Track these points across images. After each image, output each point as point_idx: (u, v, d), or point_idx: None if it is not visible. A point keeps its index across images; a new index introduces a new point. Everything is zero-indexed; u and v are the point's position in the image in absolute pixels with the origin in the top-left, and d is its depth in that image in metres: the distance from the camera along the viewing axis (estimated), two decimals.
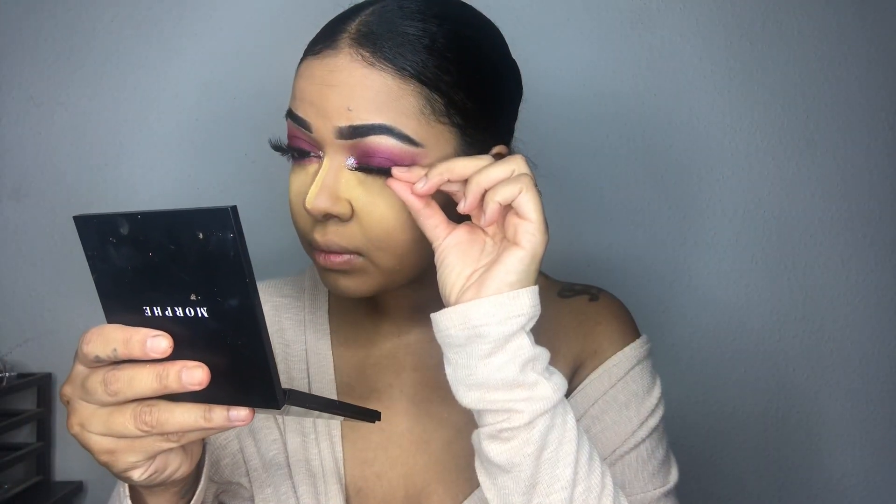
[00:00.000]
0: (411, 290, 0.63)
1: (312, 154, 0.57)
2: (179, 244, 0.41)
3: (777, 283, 1.18)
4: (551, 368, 0.53)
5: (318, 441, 0.65)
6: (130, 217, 0.42)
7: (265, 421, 0.66)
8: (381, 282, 0.58)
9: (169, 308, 0.43)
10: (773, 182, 1.18)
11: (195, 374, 0.42)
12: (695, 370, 1.19)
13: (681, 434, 1.19)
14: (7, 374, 1.16)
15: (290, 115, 0.57)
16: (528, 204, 0.51)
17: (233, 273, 0.40)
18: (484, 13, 0.62)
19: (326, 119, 0.54)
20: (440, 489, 0.64)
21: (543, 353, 0.52)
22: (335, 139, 0.54)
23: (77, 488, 1.22)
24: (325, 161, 0.55)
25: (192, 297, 0.42)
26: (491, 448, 0.51)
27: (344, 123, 0.54)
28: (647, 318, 1.17)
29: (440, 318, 0.52)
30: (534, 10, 1.18)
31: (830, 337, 1.19)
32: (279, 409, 0.44)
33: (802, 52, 1.17)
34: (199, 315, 0.42)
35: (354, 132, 0.54)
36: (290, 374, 0.68)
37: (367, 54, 0.54)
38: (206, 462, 0.54)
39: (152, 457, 0.46)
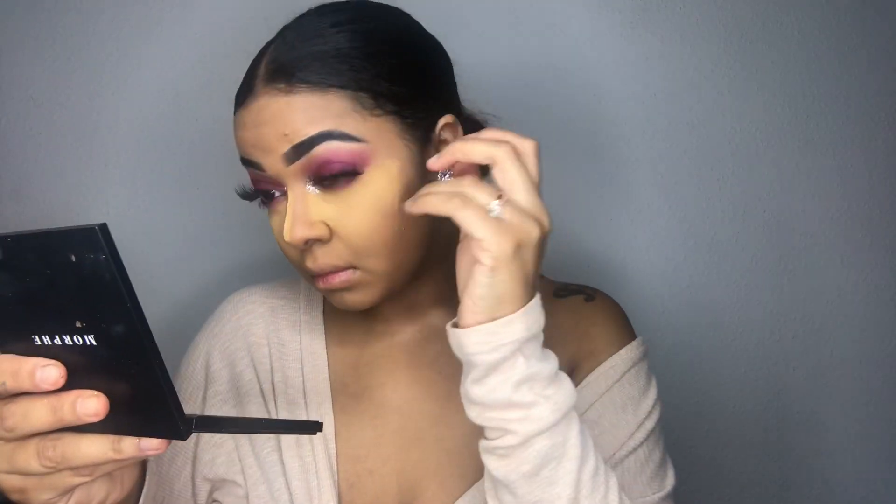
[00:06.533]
0: (404, 289, 0.63)
1: (278, 193, 0.59)
2: (53, 268, 0.37)
3: (777, 283, 1.18)
4: (561, 379, 0.52)
5: (312, 438, 0.65)
6: (0, 241, 0.38)
7: None
8: (383, 287, 0.59)
9: (57, 336, 0.39)
10: (773, 182, 1.17)
11: (89, 405, 0.39)
12: (694, 370, 1.19)
13: (681, 434, 1.19)
14: None
15: (243, 161, 0.60)
16: (465, 224, 0.49)
17: (112, 297, 0.37)
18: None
19: (271, 153, 0.56)
20: (433, 485, 0.64)
21: (545, 369, 0.50)
22: (287, 167, 0.56)
23: None
24: (289, 194, 0.57)
25: (78, 325, 0.39)
26: (489, 462, 0.51)
27: (286, 147, 0.55)
28: (646, 318, 1.18)
29: (448, 335, 0.52)
30: (533, 11, 1.18)
31: (830, 337, 1.18)
32: (183, 438, 0.41)
33: (802, 52, 1.16)
34: (88, 343, 0.39)
35: (299, 150, 0.55)
36: (286, 373, 0.68)
37: (283, 86, 0.55)
38: (148, 481, 0.51)
39: (68, 492, 0.43)
